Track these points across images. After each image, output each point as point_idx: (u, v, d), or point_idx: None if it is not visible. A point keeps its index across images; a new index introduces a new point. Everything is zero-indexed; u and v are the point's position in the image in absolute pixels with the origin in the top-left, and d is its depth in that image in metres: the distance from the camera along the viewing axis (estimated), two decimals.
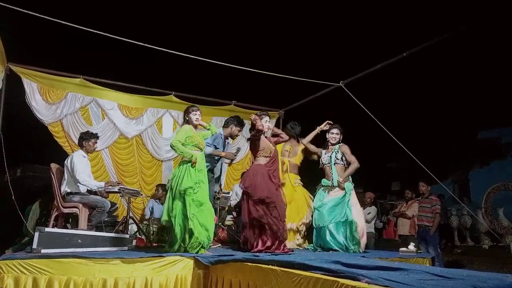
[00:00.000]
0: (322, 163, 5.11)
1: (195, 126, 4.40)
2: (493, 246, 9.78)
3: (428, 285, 2.06)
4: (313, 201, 5.23)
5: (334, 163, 4.99)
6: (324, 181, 5.06)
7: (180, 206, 4.00)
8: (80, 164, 4.83)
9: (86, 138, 5.11)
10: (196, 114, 4.36)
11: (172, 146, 4.14)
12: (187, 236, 3.98)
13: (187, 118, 4.37)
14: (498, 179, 12.93)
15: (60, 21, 4.69)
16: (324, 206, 4.87)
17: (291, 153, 5.49)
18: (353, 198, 4.89)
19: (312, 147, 5.38)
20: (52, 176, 4.88)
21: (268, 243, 4.20)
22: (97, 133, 5.36)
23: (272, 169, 4.51)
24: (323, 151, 5.18)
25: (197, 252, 3.93)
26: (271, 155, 4.57)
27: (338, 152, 5.03)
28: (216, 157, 5.26)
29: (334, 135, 5.13)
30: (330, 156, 5.04)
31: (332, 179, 4.95)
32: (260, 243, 4.22)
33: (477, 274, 2.64)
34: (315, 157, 5.35)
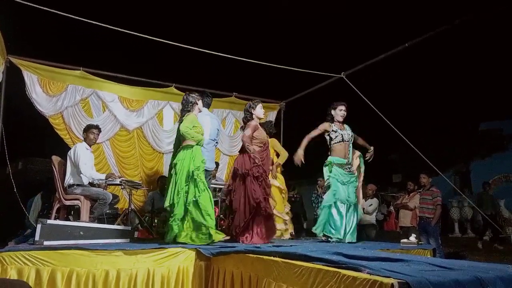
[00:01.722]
0: (342, 140, 4.97)
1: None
2: (494, 237, 9.81)
3: (430, 275, 2.06)
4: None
5: (352, 141, 5.04)
6: (336, 159, 4.94)
7: (185, 189, 4.04)
8: (83, 155, 4.84)
9: (86, 131, 5.11)
10: (199, 103, 4.48)
11: (183, 132, 4.17)
12: (189, 220, 4.02)
13: (190, 108, 4.41)
14: (499, 171, 12.96)
15: (60, 13, 4.66)
16: (350, 184, 4.89)
17: None
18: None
19: (315, 134, 5.11)
20: (54, 168, 4.89)
21: (258, 233, 4.32)
22: (97, 125, 5.36)
23: (262, 157, 4.57)
24: (334, 127, 5.02)
25: (199, 237, 3.99)
26: (265, 145, 4.65)
27: (350, 130, 5.07)
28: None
29: (342, 112, 5.06)
30: (350, 134, 5.03)
31: (349, 158, 4.95)
32: (250, 233, 4.32)
33: (478, 264, 2.65)
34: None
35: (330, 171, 4.91)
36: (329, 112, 5.10)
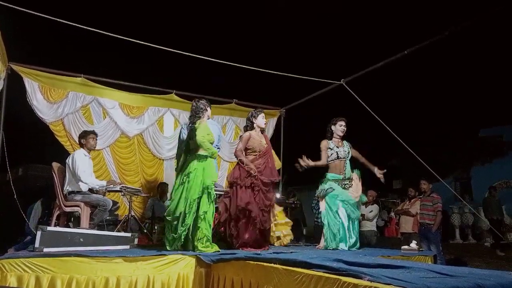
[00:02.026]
0: (337, 157, 5.04)
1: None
2: (495, 243, 9.78)
3: (431, 282, 2.05)
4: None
5: (349, 158, 5.09)
6: (332, 175, 5.02)
7: (197, 201, 4.08)
8: (81, 163, 4.83)
9: (84, 136, 5.11)
10: (208, 110, 4.56)
11: (200, 142, 4.18)
12: (196, 229, 4.06)
13: (201, 115, 4.44)
14: (500, 177, 12.94)
15: (61, 20, 4.69)
16: (349, 200, 4.93)
17: None
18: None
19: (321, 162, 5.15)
20: (54, 175, 4.88)
21: (247, 238, 4.35)
22: (93, 130, 5.36)
23: (259, 165, 4.62)
24: (331, 144, 5.10)
25: (205, 247, 4.00)
26: (260, 153, 4.70)
27: (348, 147, 5.12)
28: None
29: (342, 127, 5.13)
30: (346, 151, 5.09)
31: (345, 173, 4.99)
32: (242, 238, 4.35)
33: (479, 271, 2.64)
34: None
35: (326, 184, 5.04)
36: (329, 128, 5.17)
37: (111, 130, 6.86)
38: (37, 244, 3.64)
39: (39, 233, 3.67)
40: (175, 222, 4.10)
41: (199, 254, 3.79)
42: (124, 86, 6.93)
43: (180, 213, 4.05)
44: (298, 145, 5.82)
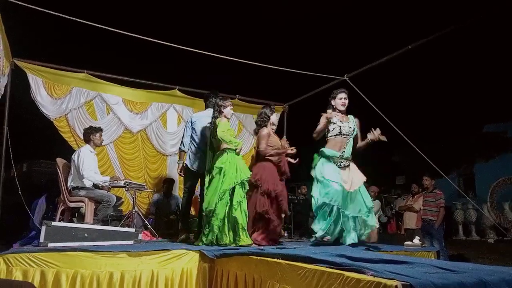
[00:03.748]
0: (339, 133, 4.34)
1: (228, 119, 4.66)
2: (499, 240, 9.76)
3: (434, 277, 2.06)
4: None
5: (353, 136, 4.40)
6: (329, 151, 4.31)
7: (229, 192, 4.17)
8: (86, 159, 4.86)
9: (92, 132, 5.14)
10: (230, 107, 4.60)
11: (220, 138, 4.28)
12: (230, 221, 4.15)
13: (222, 111, 4.50)
14: (503, 173, 12.87)
15: (64, 16, 4.69)
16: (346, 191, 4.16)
17: None
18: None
19: (320, 127, 4.42)
20: (58, 170, 4.92)
21: (262, 240, 4.34)
22: (100, 127, 5.39)
23: (281, 164, 4.63)
24: (335, 118, 4.37)
25: (241, 240, 4.08)
26: (279, 150, 4.69)
27: (355, 124, 4.43)
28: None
29: (343, 100, 4.42)
30: (351, 127, 4.38)
31: (344, 152, 4.31)
32: (255, 239, 4.33)
33: (483, 267, 2.64)
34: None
35: (314, 166, 4.34)
36: (330, 102, 4.51)
37: (115, 126, 6.88)
38: (42, 239, 3.66)
39: (43, 228, 3.69)
40: (210, 216, 4.19)
41: (203, 249, 3.81)
42: (128, 81, 6.94)
43: (214, 206, 4.14)
44: (301, 141, 5.80)
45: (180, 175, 5.42)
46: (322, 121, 4.38)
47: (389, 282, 1.99)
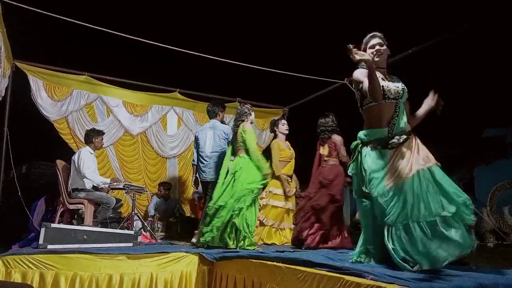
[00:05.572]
0: (384, 96, 2.76)
1: None
2: (498, 244, 9.73)
3: (433, 282, 2.06)
4: None
5: (403, 101, 2.89)
6: (371, 132, 2.83)
7: (241, 198, 4.20)
8: (87, 160, 4.88)
9: (95, 135, 5.18)
10: (252, 114, 4.74)
11: (252, 153, 4.41)
12: (229, 225, 4.18)
13: (245, 119, 4.62)
14: (503, 178, 12.85)
15: (65, 18, 4.71)
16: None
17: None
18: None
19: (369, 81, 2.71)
20: (58, 172, 4.92)
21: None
22: (102, 130, 5.43)
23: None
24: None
25: (242, 245, 4.11)
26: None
27: (402, 84, 2.92)
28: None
29: (377, 47, 2.92)
30: (399, 87, 2.86)
31: (395, 126, 2.81)
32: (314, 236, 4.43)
33: (483, 271, 2.64)
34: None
35: (354, 159, 2.93)
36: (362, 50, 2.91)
37: (115, 128, 6.90)
38: (41, 241, 3.66)
39: (43, 230, 3.69)
40: (211, 215, 4.22)
41: (202, 252, 3.81)
42: (128, 84, 6.97)
43: (219, 206, 4.19)
44: (301, 145, 5.81)
45: (193, 187, 5.79)
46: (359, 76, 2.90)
47: (389, 286, 1.99)
